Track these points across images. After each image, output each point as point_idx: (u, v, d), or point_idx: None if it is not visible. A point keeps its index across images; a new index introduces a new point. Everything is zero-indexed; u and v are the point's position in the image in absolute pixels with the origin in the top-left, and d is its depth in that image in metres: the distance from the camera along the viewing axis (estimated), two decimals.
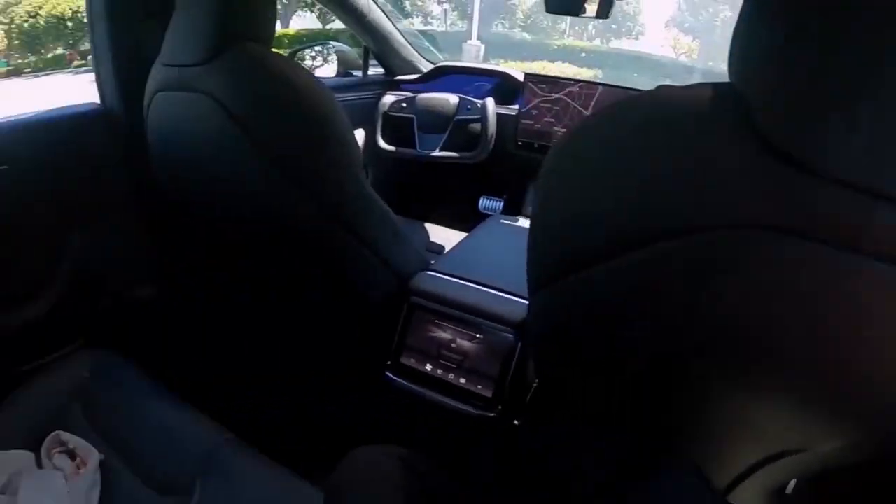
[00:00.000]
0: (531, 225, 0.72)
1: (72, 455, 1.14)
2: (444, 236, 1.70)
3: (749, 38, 0.48)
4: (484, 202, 2.08)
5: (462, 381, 1.12)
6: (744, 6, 0.48)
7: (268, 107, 0.96)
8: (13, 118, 1.37)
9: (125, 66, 1.40)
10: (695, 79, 0.63)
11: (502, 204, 2.08)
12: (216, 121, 0.98)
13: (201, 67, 1.00)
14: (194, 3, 1.02)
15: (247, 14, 1.01)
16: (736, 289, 0.50)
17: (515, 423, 1.19)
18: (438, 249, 1.58)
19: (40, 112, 1.41)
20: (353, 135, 1.04)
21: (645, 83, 2.19)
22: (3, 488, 1.08)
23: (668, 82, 0.64)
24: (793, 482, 0.85)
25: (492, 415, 1.10)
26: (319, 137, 0.98)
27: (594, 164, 0.58)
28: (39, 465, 1.15)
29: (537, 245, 0.70)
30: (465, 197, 2.13)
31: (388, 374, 1.20)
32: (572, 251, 0.61)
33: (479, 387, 1.11)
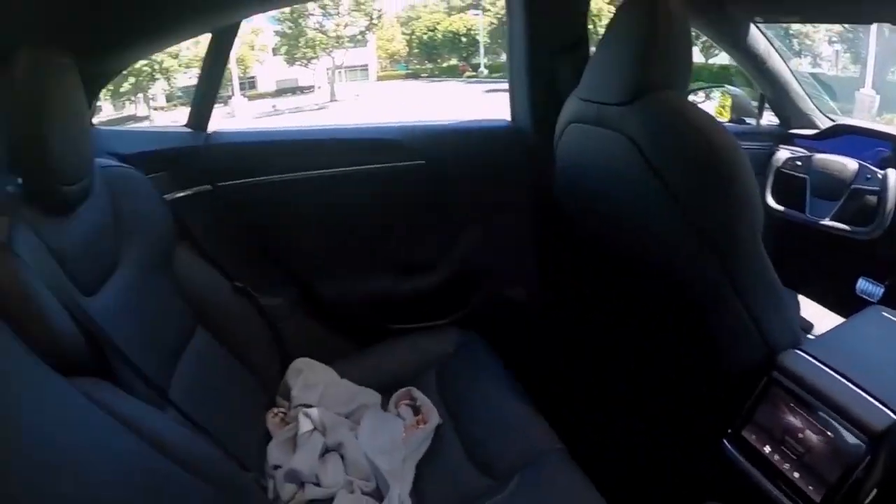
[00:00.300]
0: None
1: (415, 410, 1.35)
2: (813, 312, 1.56)
3: None
4: (863, 285, 1.85)
5: (796, 475, 1.03)
6: None
7: (683, 158, 1.00)
8: (433, 123, 1.68)
9: (537, 93, 1.59)
10: None
11: (883, 290, 1.83)
12: (629, 160, 1.05)
13: (620, 108, 1.07)
14: (618, 45, 1.11)
15: (668, 62, 1.06)
16: None
17: None
18: (807, 326, 1.46)
19: (456, 122, 1.72)
20: (758, 195, 1.03)
21: None
22: (349, 414, 1.33)
23: None
24: None
25: None
26: (730, 194, 0.99)
27: None
28: (384, 408, 1.39)
29: None
30: (842, 274, 1.93)
31: (726, 443, 1.15)
32: None
33: (811, 487, 1.01)
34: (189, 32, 1.50)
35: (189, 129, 1.63)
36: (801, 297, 1.62)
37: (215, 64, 1.63)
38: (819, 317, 1.52)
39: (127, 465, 0.73)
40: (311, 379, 1.40)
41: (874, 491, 0.99)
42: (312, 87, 18.95)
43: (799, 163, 1.84)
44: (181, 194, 1.49)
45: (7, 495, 0.55)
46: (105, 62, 1.35)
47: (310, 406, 1.31)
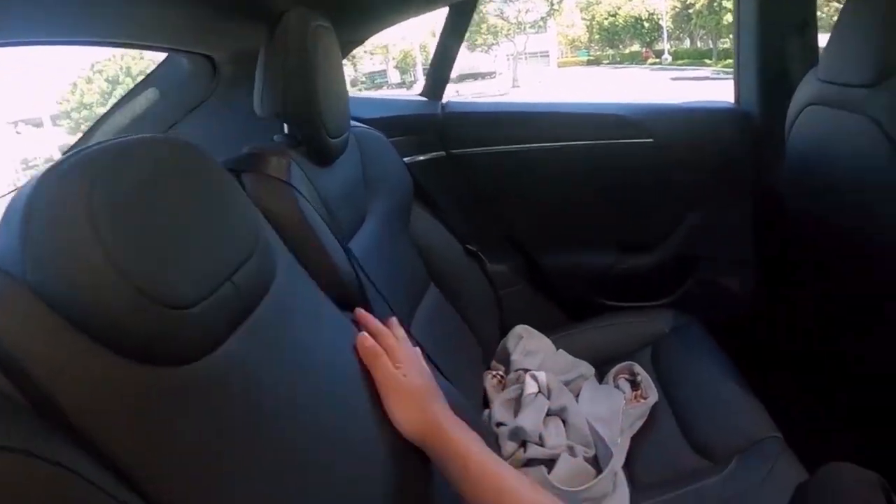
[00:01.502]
0: None
1: (634, 385, 1.37)
2: None
3: None
4: None
5: None
6: None
7: None
8: (661, 103, 1.67)
9: (768, 74, 1.52)
10: None
11: None
12: (872, 144, 1.00)
13: (867, 90, 1.02)
14: (862, 23, 1.04)
15: None
16: None
17: None
18: None
19: (681, 103, 1.68)
20: None
21: None
22: (566, 383, 1.36)
23: None
24: None
25: None
26: None
27: None
28: (599, 380, 1.41)
29: None
30: None
31: None
32: None
33: None
34: (430, 5, 1.59)
35: (425, 99, 1.74)
36: None
37: (451, 36, 1.71)
38: None
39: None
40: (530, 346, 1.45)
41: None
42: (493, 73, 19.16)
43: None
44: (420, 158, 1.61)
45: (295, 405, 0.62)
46: (354, 29, 1.47)
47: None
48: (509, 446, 1.20)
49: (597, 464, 1.17)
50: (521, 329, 1.51)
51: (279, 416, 0.59)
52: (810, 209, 1.34)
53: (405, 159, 1.51)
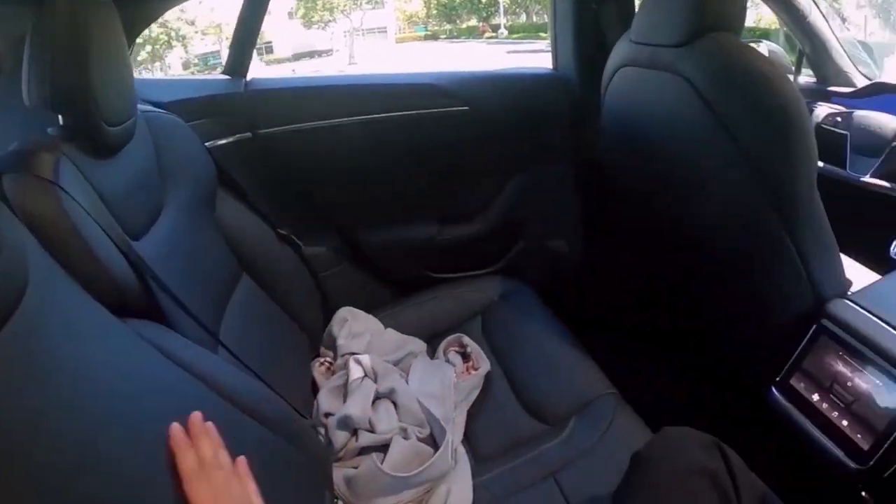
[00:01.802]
0: None
1: (465, 357, 1.38)
2: (850, 269, 1.57)
3: None
4: None
5: (844, 423, 1.05)
6: None
7: (744, 97, 1.00)
8: (478, 71, 1.67)
9: (582, 39, 1.56)
10: None
11: None
12: (685, 100, 1.05)
13: (676, 49, 1.07)
14: None
15: (724, 3, 1.06)
16: None
17: (864, 493, 1.09)
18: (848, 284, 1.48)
19: (498, 70, 1.69)
20: (814, 139, 1.02)
21: None
22: (396, 362, 1.35)
23: None
24: None
25: (855, 466, 1.03)
26: (791, 136, 0.99)
27: None
28: (430, 355, 1.41)
29: None
30: (876, 235, 1.92)
31: (774, 390, 1.17)
32: None
33: (859, 435, 1.03)
34: None
35: (227, 77, 1.62)
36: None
37: (252, 7, 1.60)
38: (856, 274, 1.53)
39: (179, 400, 0.74)
40: (356, 328, 1.43)
41: None
42: (330, 50, 18.74)
43: (839, 119, 1.81)
44: (222, 142, 1.50)
45: (60, 428, 0.55)
46: (139, 8, 1.36)
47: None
48: (340, 436, 1.17)
49: (434, 443, 1.17)
50: (345, 311, 1.48)
51: (32, 447, 0.52)
52: (627, 169, 1.40)
53: (207, 144, 1.43)
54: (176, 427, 0.67)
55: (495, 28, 21.41)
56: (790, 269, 1.10)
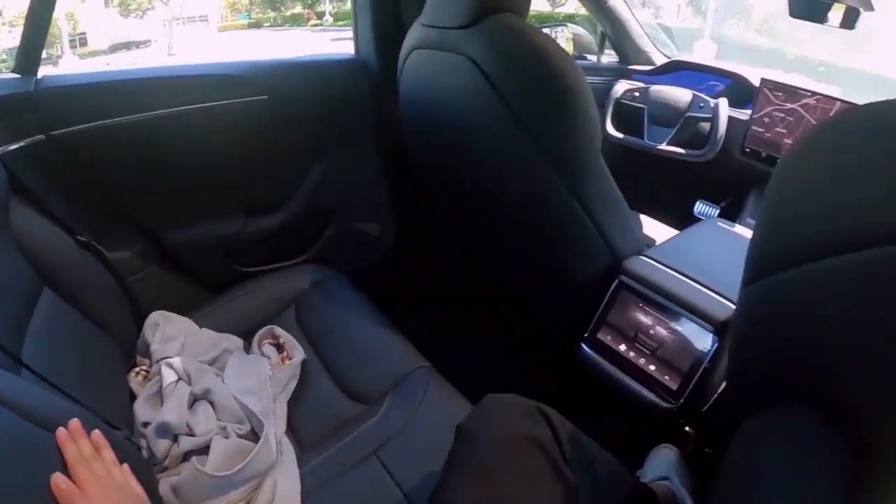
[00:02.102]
0: (759, 220, 0.71)
1: (279, 348, 1.34)
2: (656, 230, 1.70)
3: None
4: (699, 207, 2.03)
5: (651, 367, 1.15)
6: None
7: (523, 72, 1.04)
8: (278, 59, 1.61)
9: (381, 24, 1.56)
10: None
11: (717, 212, 2.02)
12: (471, 79, 1.08)
13: (462, 31, 1.10)
14: None
15: None
16: None
17: (687, 428, 1.20)
18: (650, 242, 1.59)
19: (301, 57, 1.65)
20: (597, 112, 1.09)
21: None
22: (212, 361, 1.29)
23: None
24: None
25: (669, 405, 1.12)
26: (567, 105, 1.04)
27: (828, 165, 0.59)
28: (247, 351, 1.35)
29: (761, 237, 0.70)
30: (680, 198, 2.09)
31: (584, 346, 1.25)
32: (794, 244, 0.61)
33: (667, 377, 1.13)
34: None
35: (16, 76, 1.41)
36: (643, 217, 1.75)
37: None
38: (661, 233, 1.66)
39: None
40: (169, 331, 1.33)
41: (724, 384, 1.11)
42: (148, 41, 17.46)
43: (637, 94, 1.97)
44: (14, 146, 1.32)
45: None
46: None
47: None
48: (161, 445, 1.09)
49: (255, 438, 1.12)
50: (157, 316, 1.38)
51: None
52: (429, 150, 1.41)
53: None
54: (60, 429, 0.72)
55: (320, 15, 21.01)
56: (585, 233, 1.18)
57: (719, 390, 1.12)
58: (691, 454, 1.23)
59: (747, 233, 1.57)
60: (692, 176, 2.00)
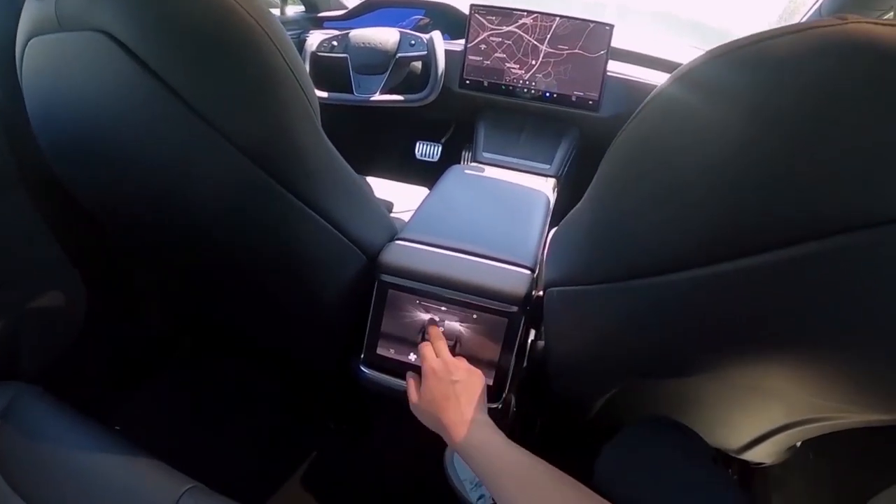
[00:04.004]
0: (599, 200, 0.58)
1: None
2: (390, 191, 1.47)
3: None
4: (421, 147, 1.89)
5: None
6: None
7: (181, 34, 0.64)
8: None
9: None
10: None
11: (440, 149, 1.90)
12: (114, 64, 0.65)
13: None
14: None
15: None
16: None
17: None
18: (388, 205, 1.36)
19: None
20: (305, 72, 0.74)
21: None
22: None
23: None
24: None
25: (495, 405, 0.92)
26: (259, 71, 0.67)
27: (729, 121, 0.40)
28: None
29: (620, 230, 0.54)
30: (399, 144, 1.92)
31: (362, 368, 0.98)
32: (681, 246, 0.44)
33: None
34: None
35: None
36: (372, 179, 1.53)
37: None
38: (397, 193, 1.45)
39: None
40: None
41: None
42: None
43: (335, 43, 1.68)
44: None
45: None
46: None
47: None
48: None
49: None
50: None
51: None
52: (85, 186, 0.93)
53: None
54: None
55: None
56: (325, 239, 0.86)
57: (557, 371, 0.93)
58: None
59: (497, 172, 1.44)
60: (408, 120, 1.83)
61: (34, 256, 1.08)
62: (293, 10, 1.93)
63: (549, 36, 1.51)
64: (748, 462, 1.00)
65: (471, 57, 1.61)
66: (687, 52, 1.71)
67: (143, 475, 0.85)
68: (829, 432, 0.74)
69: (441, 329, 0.92)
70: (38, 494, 0.83)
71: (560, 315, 0.76)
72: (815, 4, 1.20)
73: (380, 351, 0.97)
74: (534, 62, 1.55)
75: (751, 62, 0.39)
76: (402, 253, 0.97)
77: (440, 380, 0.81)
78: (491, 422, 0.77)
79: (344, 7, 1.91)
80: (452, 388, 0.80)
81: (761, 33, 0.39)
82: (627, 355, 0.63)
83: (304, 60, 1.69)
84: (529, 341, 1.00)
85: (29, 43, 0.76)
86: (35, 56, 0.76)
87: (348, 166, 0.87)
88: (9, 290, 1.04)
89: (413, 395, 0.84)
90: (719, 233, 0.40)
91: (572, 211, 0.75)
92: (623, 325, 0.56)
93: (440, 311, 0.93)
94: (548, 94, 1.57)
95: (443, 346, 0.87)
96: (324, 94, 1.68)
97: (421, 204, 1.17)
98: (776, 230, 0.36)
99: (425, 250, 0.98)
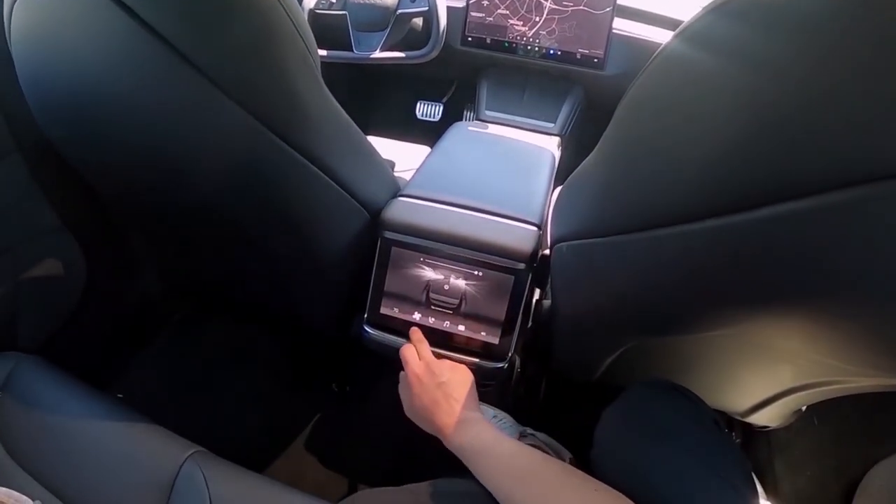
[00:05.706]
0: (611, 156, 0.57)
1: None
2: (392, 149, 1.44)
3: None
4: (422, 108, 1.87)
5: (461, 328, 0.92)
6: None
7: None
8: None
9: None
10: None
11: (442, 108, 1.87)
12: (104, 16, 0.61)
13: None
14: None
15: None
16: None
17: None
18: (390, 165, 1.33)
19: None
20: (306, 24, 0.72)
21: None
22: None
23: None
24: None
25: (501, 365, 0.91)
26: (258, 21, 0.64)
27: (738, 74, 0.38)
28: None
29: (639, 183, 0.52)
30: (400, 104, 1.88)
31: (366, 328, 0.97)
32: (696, 192, 0.42)
33: (483, 333, 0.91)
34: None
35: None
36: (374, 139, 1.49)
37: None
38: (399, 153, 1.42)
39: None
40: None
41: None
42: None
43: (334, 0, 1.64)
44: None
45: None
46: None
47: None
48: None
49: None
50: None
51: None
52: (81, 147, 0.87)
53: None
54: None
55: None
56: (328, 195, 0.84)
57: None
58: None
59: (502, 130, 1.41)
60: (409, 79, 1.79)
61: (30, 223, 1.06)
62: None
63: None
64: (751, 426, 1.00)
65: (473, 13, 1.57)
66: (694, 10, 1.67)
67: (145, 442, 0.85)
68: (834, 397, 0.74)
69: (446, 287, 0.91)
70: (41, 465, 0.83)
71: (570, 271, 0.75)
72: None
73: (383, 310, 0.95)
74: (538, 19, 1.51)
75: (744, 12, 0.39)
76: (405, 209, 0.95)
77: (425, 385, 0.82)
78: (481, 417, 0.77)
79: None
80: (440, 391, 0.81)
81: None
82: (639, 312, 0.62)
83: None
84: (534, 301, 0.99)
85: (16, 4, 0.71)
86: (22, 15, 0.71)
87: (351, 121, 0.84)
88: (5, 258, 1.02)
89: (405, 402, 0.86)
90: (738, 185, 0.38)
91: (581, 166, 0.73)
92: (639, 279, 0.55)
93: (445, 268, 0.91)
94: (552, 52, 1.53)
95: (424, 347, 0.88)
96: (323, 53, 1.64)
97: (424, 161, 1.14)
98: (797, 181, 0.34)
99: (429, 206, 0.96)
